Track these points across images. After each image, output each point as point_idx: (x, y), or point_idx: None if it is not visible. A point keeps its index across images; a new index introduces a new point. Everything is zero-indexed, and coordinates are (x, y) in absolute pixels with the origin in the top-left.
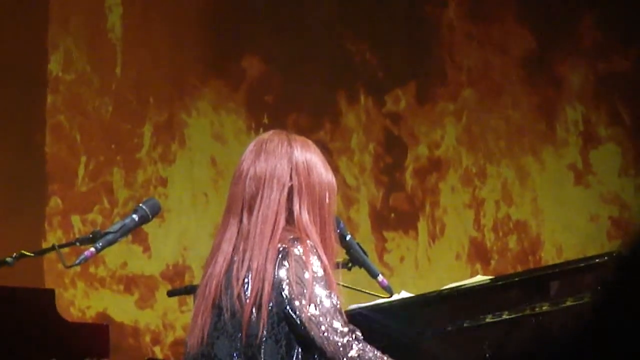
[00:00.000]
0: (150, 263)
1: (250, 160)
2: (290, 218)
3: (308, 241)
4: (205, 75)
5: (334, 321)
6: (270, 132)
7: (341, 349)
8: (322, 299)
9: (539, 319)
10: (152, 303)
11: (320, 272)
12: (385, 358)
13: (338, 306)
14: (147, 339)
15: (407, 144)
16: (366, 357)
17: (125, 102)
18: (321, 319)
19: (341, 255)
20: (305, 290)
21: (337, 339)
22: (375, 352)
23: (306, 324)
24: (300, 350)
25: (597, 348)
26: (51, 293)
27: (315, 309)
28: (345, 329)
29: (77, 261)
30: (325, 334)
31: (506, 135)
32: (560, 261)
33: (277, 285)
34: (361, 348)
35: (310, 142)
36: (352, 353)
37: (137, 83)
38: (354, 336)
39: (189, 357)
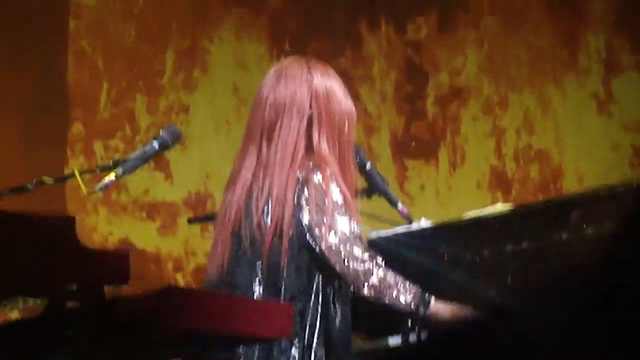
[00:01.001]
0: (172, 190)
1: (270, 86)
2: (309, 146)
3: (328, 169)
4: (227, 2)
5: (354, 248)
6: (290, 58)
7: (362, 275)
8: (342, 226)
9: (560, 248)
10: (174, 230)
11: (340, 200)
12: (407, 284)
13: (358, 233)
14: (169, 265)
15: (429, 72)
16: (387, 284)
17: (147, 27)
18: (341, 246)
19: (361, 184)
20: (325, 218)
21: (357, 266)
22: (396, 278)
23: (326, 252)
24: (321, 277)
25: (617, 276)
26: (71, 220)
27: (335, 237)
28: (366, 256)
29: (98, 188)
30: (346, 261)
31: (528, 63)
32: (581, 190)
33: (297, 213)
34: (382, 274)
35: (330, 69)
36: (373, 279)
37: (160, 8)
38: (374, 262)
39: (209, 284)
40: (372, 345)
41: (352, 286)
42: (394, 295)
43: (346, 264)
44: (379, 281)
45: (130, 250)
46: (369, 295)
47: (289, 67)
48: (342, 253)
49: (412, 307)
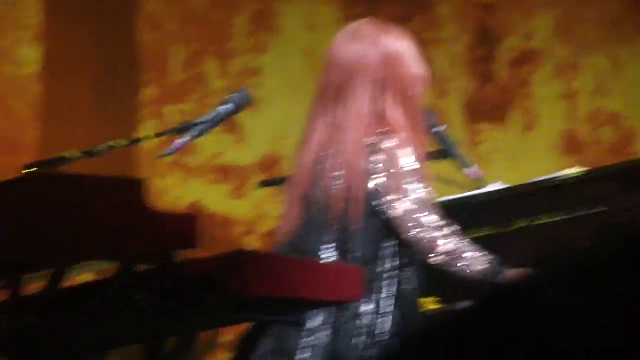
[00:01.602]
0: (243, 153)
1: (342, 48)
2: (380, 111)
3: (399, 134)
4: None
5: (426, 215)
6: (364, 20)
7: (434, 243)
8: (414, 192)
9: (634, 213)
10: (245, 193)
11: (412, 166)
12: (481, 252)
13: (430, 200)
14: (240, 229)
15: (500, 35)
16: (459, 251)
17: None
18: (413, 213)
19: (432, 147)
20: (396, 184)
21: (431, 232)
22: (468, 246)
23: (398, 218)
24: (393, 243)
25: None
26: (141, 182)
27: (408, 203)
28: (440, 223)
29: (168, 151)
30: (418, 228)
31: (600, 26)
32: None
33: (368, 179)
34: (454, 242)
35: (403, 31)
36: (445, 248)
37: None
38: (446, 230)
39: (280, 248)
40: (444, 311)
41: (424, 253)
42: (466, 264)
43: (418, 230)
44: (451, 249)
45: (200, 214)
46: (440, 263)
47: (361, 28)
48: (414, 220)
49: (484, 275)
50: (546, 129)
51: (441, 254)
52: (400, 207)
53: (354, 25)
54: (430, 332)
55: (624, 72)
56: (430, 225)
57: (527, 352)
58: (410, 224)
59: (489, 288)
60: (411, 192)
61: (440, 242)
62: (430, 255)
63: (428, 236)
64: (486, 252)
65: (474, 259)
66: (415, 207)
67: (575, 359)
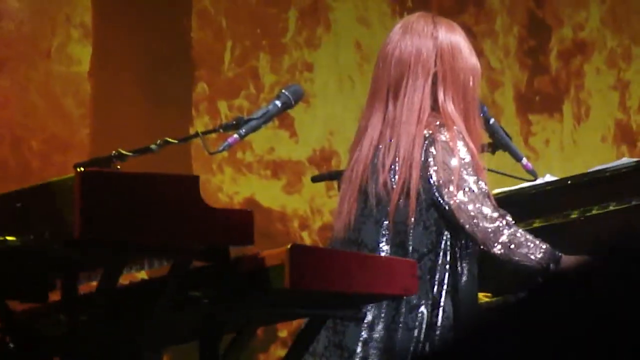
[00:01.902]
0: (297, 148)
1: (395, 42)
2: (435, 104)
3: (454, 127)
4: None
5: (483, 207)
6: (416, 14)
7: (491, 234)
8: (470, 184)
9: None
10: (300, 188)
11: (468, 158)
12: (537, 241)
13: (486, 191)
14: (295, 224)
15: (551, 26)
16: (517, 242)
17: None
18: (470, 205)
19: (485, 139)
20: (453, 177)
21: (486, 224)
22: (527, 236)
23: (455, 211)
24: (449, 236)
25: None
26: (195, 179)
27: (464, 195)
28: (495, 214)
29: (221, 148)
30: (475, 220)
31: None
32: None
33: (424, 172)
34: (512, 233)
35: (455, 24)
36: (503, 238)
37: None
38: (504, 221)
39: (335, 242)
40: (499, 303)
41: (482, 245)
42: (524, 253)
43: (475, 222)
44: (509, 240)
45: (255, 210)
46: (499, 253)
47: (414, 22)
48: (472, 212)
49: (543, 264)
50: (598, 120)
51: (500, 245)
52: (456, 199)
53: (406, 20)
54: (485, 324)
55: None
56: (487, 216)
57: (582, 342)
58: (468, 216)
59: (545, 277)
60: (467, 184)
61: (499, 233)
62: (490, 246)
63: (488, 227)
64: (542, 241)
65: (532, 248)
66: (472, 198)
67: (630, 350)
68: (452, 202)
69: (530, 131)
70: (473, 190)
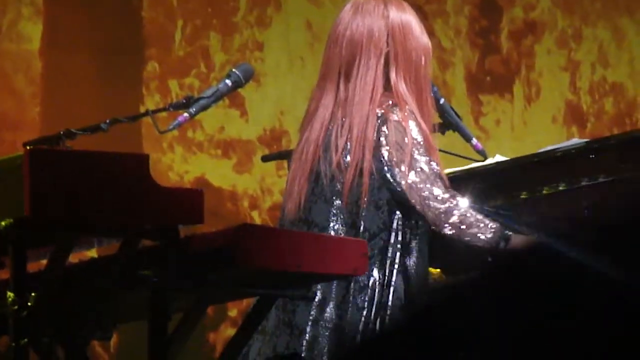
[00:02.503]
0: (247, 127)
1: (346, 22)
2: (387, 84)
3: (406, 107)
4: None
5: (434, 187)
6: None
7: (442, 215)
8: (422, 164)
9: (636, 182)
10: (250, 167)
11: (420, 138)
12: (487, 221)
13: (438, 171)
14: (245, 203)
15: (503, 6)
16: (467, 222)
17: None
18: (421, 185)
19: (435, 120)
20: (405, 157)
21: (437, 205)
22: (477, 216)
23: (407, 191)
24: (401, 215)
25: None
26: (145, 158)
27: (416, 175)
28: (446, 195)
29: (171, 126)
30: (426, 200)
31: None
32: None
33: (376, 151)
34: (462, 213)
35: (405, 4)
36: (454, 219)
37: None
38: (455, 201)
39: (285, 222)
40: (453, 281)
41: (432, 225)
42: (475, 233)
43: (427, 203)
44: (460, 220)
45: (205, 189)
46: (450, 234)
47: (365, 2)
48: (423, 191)
49: (493, 243)
50: (549, 100)
51: (451, 225)
52: (408, 179)
53: (356, 1)
54: (435, 304)
55: (626, 42)
56: (438, 197)
57: (533, 321)
58: (419, 196)
59: (495, 256)
60: (419, 164)
61: (450, 212)
62: (442, 226)
63: (440, 207)
64: (492, 220)
65: (482, 228)
66: (423, 178)
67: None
68: (403, 182)
69: (480, 111)
70: (425, 171)
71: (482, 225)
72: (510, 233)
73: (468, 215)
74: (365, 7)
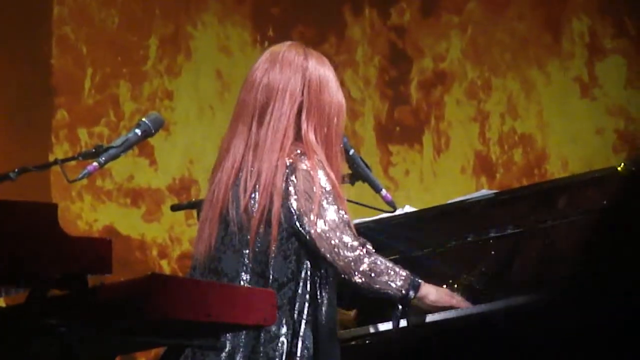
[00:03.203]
0: (156, 176)
1: (263, 69)
2: (297, 134)
3: (315, 156)
4: None
5: (343, 236)
6: (287, 43)
7: (352, 263)
8: (331, 213)
9: (544, 233)
10: (159, 216)
11: (328, 187)
12: (397, 269)
13: (347, 220)
14: (154, 252)
15: (412, 57)
16: (377, 270)
17: (131, 13)
18: (330, 233)
19: (345, 170)
20: (313, 205)
21: (347, 253)
22: (387, 264)
23: (316, 240)
24: (309, 265)
25: (602, 262)
26: (54, 207)
27: (325, 224)
28: (356, 243)
29: (80, 176)
30: (336, 249)
31: (511, 48)
32: (566, 174)
33: (285, 201)
34: (372, 261)
35: (325, 59)
36: (364, 267)
37: None
38: (364, 250)
39: (195, 271)
40: (362, 332)
41: (342, 274)
42: (385, 281)
43: (337, 251)
44: (370, 268)
45: (114, 238)
46: (360, 282)
47: (285, 51)
48: (332, 240)
49: (403, 291)
50: (458, 150)
51: (361, 274)
52: (317, 228)
53: (277, 48)
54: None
55: (535, 93)
56: (348, 245)
57: None
58: (328, 244)
59: (406, 304)
60: (327, 213)
61: (360, 261)
62: (351, 275)
63: (349, 256)
64: (402, 268)
65: (392, 276)
66: (333, 227)
67: None
68: (312, 230)
69: (390, 161)
70: (334, 220)
71: (392, 272)
72: (420, 281)
73: (378, 262)
74: (285, 55)
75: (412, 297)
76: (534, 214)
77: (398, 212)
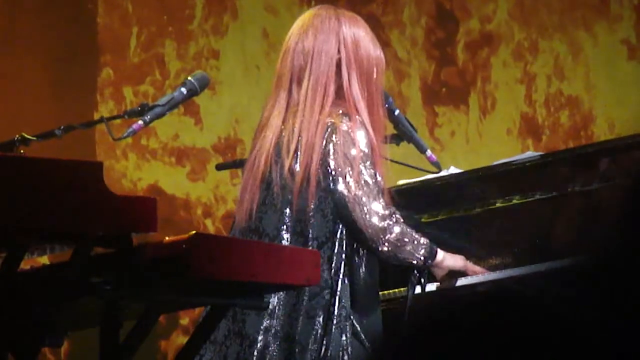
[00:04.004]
0: (202, 135)
1: (297, 35)
2: (339, 91)
3: (357, 117)
4: None
5: (375, 203)
6: (318, 7)
7: (380, 232)
8: (366, 178)
9: (590, 196)
10: (204, 176)
11: (367, 150)
12: (420, 238)
13: (381, 187)
14: (199, 211)
15: (459, 18)
16: (403, 241)
17: None
18: (364, 199)
19: (390, 130)
20: (350, 167)
21: (376, 221)
22: (412, 234)
23: (348, 203)
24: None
25: None
26: (99, 165)
27: (358, 189)
28: (386, 212)
29: (125, 134)
30: (367, 215)
31: (559, 9)
32: (612, 137)
33: (324, 160)
34: (399, 231)
35: (358, 17)
36: (392, 237)
37: None
38: (394, 219)
39: (237, 231)
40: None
41: (370, 241)
42: (409, 251)
43: (367, 217)
44: (396, 238)
45: (159, 197)
46: (386, 250)
47: (316, 15)
48: (365, 206)
49: (423, 260)
50: (504, 112)
51: (388, 243)
52: (352, 190)
53: (309, 13)
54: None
55: (582, 55)
56: (379, 213)
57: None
58: (360, 210)
59: (421, 271)
60: (364, 177)
61: (387, 230)
62: (378, 244)
63: (378, 224)
64: (423, 236)
65: (415, 246)
66: (367, 192)
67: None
68: (347, 193)
69: (435, 122)
70: (368, 184)
71: (416, 242)
72: (437, 249)
73: (404, 233)
74: (316, 21)
75: (430, 264)
76: (579, 177)
77: (443, 173)
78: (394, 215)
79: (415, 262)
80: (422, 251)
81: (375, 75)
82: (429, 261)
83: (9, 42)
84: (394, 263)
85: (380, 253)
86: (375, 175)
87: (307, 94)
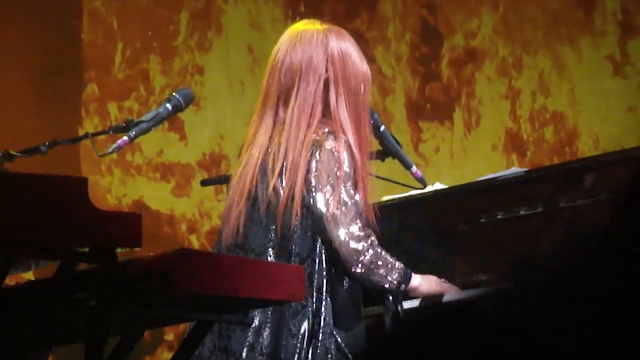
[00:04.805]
0: (186, 151)
1: (285, 50)
2: (326, 110)
3: (342, 136)
4: None
5: (352, 224)
6: (305, 21)
7: (354, 254)
8: (345, 199)
9: (574, 213)
10: (189, 191)
11: (349, 171)
12: (394, 262)
13: (360, 208)
14: (184, 227)
15: (443, 34)
16: (377, 263)
17: None
18: (341, 219)
19: (375, 146)
20: (330, 187)
21: (351, 243)
22: (386, 257)
23: (326, 222)
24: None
25: (632, 241)
26: (84, 181)
27: (337, 208)
28: (362, 234)
29: (110, 150)
30: (343, 236)
31: (543, 25)
32: (597, 153)
33: (307, 176)
34: (374, 254)
35: (344, 31)
36: (366, 259)
37: None
38: (369, 242)
39: (223, 247)
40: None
41: (344, 262)
42: (382, 274)
43: (343, 238)
44: (370, 261)
45: (143, 212)
46: (360, 272)
47: (304, 30)
48: (342, 227)
49: (396, 284)
50: (489, 128)
51: (362, 265)
52: (331, 209)
53: (297, 27)
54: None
55: (567, 71)
56: (355, 234)
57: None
58: (337, 230)
59: (395, 295)
60: (344, 198)
61: (362, 253)
62: (352, 265)
63: (351, 246)
64: (397, 259)
65: (389, 269)
66: (345, 213)
67: None
68: (324, 211)
69: (420, 138)
70: (347, 205)
71: (389, 266)
72: (412, 274)
73: (378, 256)
74: (305, 35)
75: (403, 289)
76: (564, 193)
77: (428, 189)
78: (369, 238)
79: (387, 285)
80: (396, 275)
81: (362, 91)
82: (403, 286)
83: None
84: (368, 285)
85: (353, 274)
86: (355, 196)
87: (293, 113)
